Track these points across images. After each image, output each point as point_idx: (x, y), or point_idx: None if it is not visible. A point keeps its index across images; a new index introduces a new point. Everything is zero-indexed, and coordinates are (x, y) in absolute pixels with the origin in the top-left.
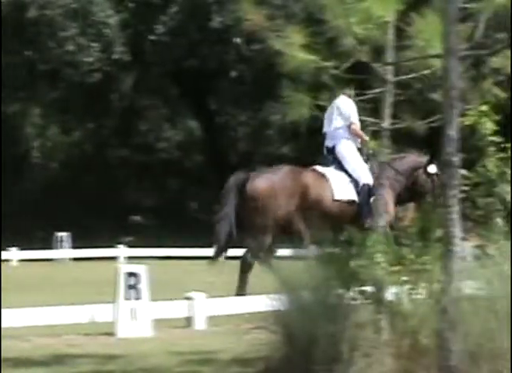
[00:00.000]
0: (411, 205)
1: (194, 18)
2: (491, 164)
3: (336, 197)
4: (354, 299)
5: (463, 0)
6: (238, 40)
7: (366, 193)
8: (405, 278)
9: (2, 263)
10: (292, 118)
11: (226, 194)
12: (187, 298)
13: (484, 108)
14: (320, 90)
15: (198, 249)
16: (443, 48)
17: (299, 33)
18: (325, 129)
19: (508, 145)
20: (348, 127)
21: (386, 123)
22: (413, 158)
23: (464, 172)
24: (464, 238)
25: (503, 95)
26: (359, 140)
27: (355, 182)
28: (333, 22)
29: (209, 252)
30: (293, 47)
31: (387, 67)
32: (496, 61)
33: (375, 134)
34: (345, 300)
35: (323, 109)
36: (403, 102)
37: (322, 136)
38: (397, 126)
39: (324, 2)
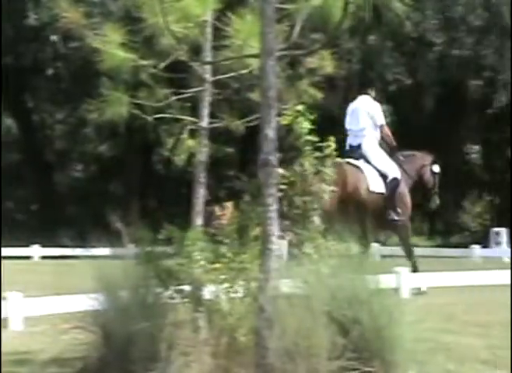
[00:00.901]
0: (229, 204)
1: (9, 15)
2: (307, 163)
3: (371, 189)
4: (172, 298)
5: (279, 0)
6: (55, 38)
7: (393, 186)
8: (222, 276)
9: None
10: (111, 116)
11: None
12: (3, 298)
13: (300, 107)
14: (139, 89)
15: (16, 249)
16: (260, 48)
17: (117, 31)
18: (349, 126)
19: (324, 144)
20: (376, 126)
21: (204, 122)
22: (420, 157)
23: (281, 170)
24: (281, 237)
25: (318, 95)
26: (388, 140)
27: (382, 176)
28: (151, 21)
29: (29, 251)
30: (111, 45)
31: (206, 67)
32: (312, 62)
33: (193, 133)
34: (162, 299)
35: (141, 107)
36: (221, 101)
37: (344, 132)
38: (215, 125)
39: (141, 1)
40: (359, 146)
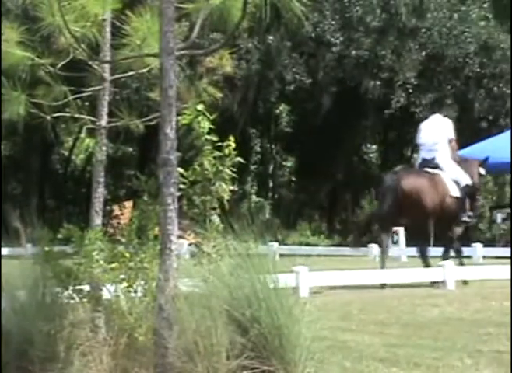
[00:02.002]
0: (128, 203)
1: None
2: (207, 162)
3: (452, 194)
4: (71, 298)
5: (179, 0)
6: None
7: (466, 192)
8: (122, 276)
9: None
10: (9, 116)
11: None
12: None
13: (200, 107)
14: (37, 87)
15: None
16: (159, 47)
17: (14, 30)
18: (422, 141)
19: (223, 144)
20: (448, 141)
21: (103, 121)
22: (471, 161)
23: (180, 170)
24: (180, 236)
25: (218, 94)
26: (454, 152)
27: (455, 182)
28: (49, 20)
29: None
30: (9, 44)
31: (105, 66)
32: (211, 61)
33: (92, 132)
34: (61, 299)
35: (39, 106)
36: (120, 100)
37: (416, 146)
38: (114, 124)
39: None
40: (433, 159)
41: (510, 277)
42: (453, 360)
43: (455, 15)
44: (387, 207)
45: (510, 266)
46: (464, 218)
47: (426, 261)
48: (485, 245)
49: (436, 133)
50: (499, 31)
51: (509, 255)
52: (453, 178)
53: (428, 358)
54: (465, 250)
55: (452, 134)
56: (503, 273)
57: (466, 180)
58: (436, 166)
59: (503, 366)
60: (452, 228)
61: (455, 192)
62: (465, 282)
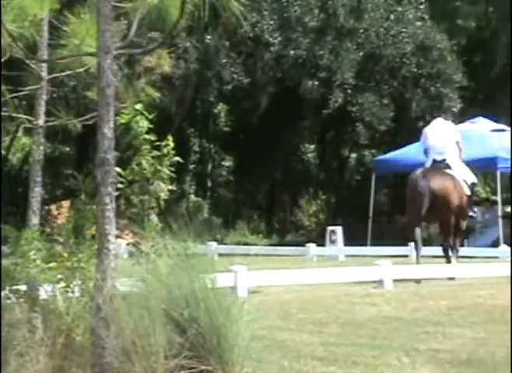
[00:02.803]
0: (66, 203)
1: None
2: (145, 162)
3: (466, 193)
4: (7, 298)
5: None
6: None
7: (472, 189)
8: (59, 276)
9: None
10: None
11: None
12: None
13: (138, 106)
14: None
15: None
16: (97, 46)
17: None
18: (432, 144)
19: (162, 143)
20: (456, 143)
21: (41, 120)
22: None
23: (118, 169)
24: (118, 236)
25: (156, 94)
26: (460, 153)
27: (464, 181)
28: None
29: None
30: None
31: (42, 65)
32: (149, 61)
33: (29, 132)
34: None
35: None
36: (58, 99)
37: (425, 151)
38: (51, 123)
39: None
40: (444, 160)
41: (510, 277)
42: (390, 359)
43: (392, 16)
44: (421, 207)
45: (510, 265)
46: (471, 213)
47: (448, 258)
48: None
49: (444, 136)
50: (436, 31)
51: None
52: (462, 177)
53: (366, 357)
54: (403, 250)
55: (458, 137)
56: (441, 272)
57: (472, 179)
58: (447, 167)
59: (439, 364)
60: (462, 224)
61: (468, 190)
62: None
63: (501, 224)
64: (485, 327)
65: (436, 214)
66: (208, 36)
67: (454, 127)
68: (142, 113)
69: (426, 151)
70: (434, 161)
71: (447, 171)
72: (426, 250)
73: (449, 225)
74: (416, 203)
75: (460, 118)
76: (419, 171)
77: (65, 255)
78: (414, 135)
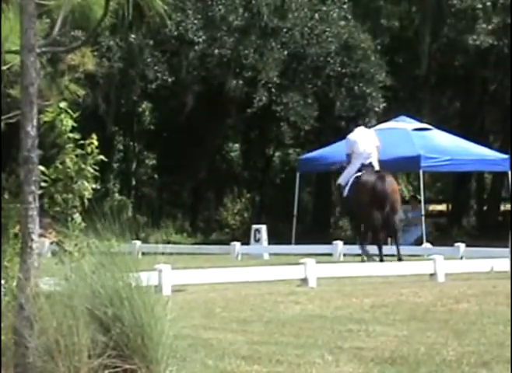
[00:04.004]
0: None
1: None
2: (69, 160)
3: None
4: None
5: None
6: None
7: None
8: None
9: None
10: None
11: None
12: None
13: (62, 105)
14: None
15: None
16: (20, 44)
17: None
18: (361, 150)
19: (86, 142)
20: (377, 148)
21: None
22: None
23: (42, 168)
24: (41, 235)
25: (80, 92)
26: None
27: None
28: None
29: None
30: None
31: None
32: (73, 59)
33: None
34: None
35: None
36: None
37: (348, 155)
38: None
39: None
40: (370, 163)
41: (509, 277)
42: (314, 357)
43: (316, 15)
44: (385, 208)
45: (509, 265)
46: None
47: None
48: (345, 243)
49: (369, 143)
50: (360, 31)
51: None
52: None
53: (290, 355)
54: (326, 248)
55: (378, 142)
56: (364, 270)
57: None
58: (373, 168)
59: (363, 362)
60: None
61: None
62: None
63: (424, 222)
64: (408, 325)
65: (383, 213)
66: (133, 35)
67: (374, 133)
68: (66, 111)
69: (348, 155)
70: (363, 164)
71: (385, 172)
72: (347, 249)
73: (395, 223)
74: (377, 204)
75: (383, 117)
76: (364, 175)
77: None
78: (338, 134)
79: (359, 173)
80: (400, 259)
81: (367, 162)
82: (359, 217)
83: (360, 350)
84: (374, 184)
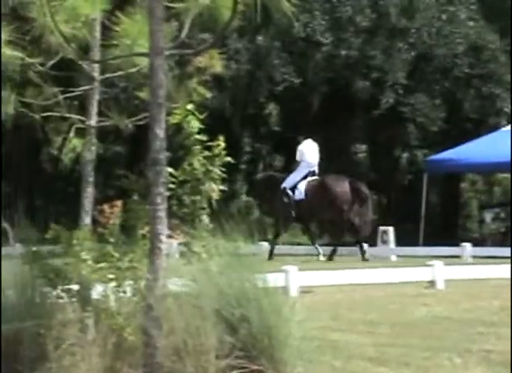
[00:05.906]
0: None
1: None
2: (197, 162)
3: None
4: (59, 297)
5: None
6: None
7: None
8: (110, 276)
9: None
10: None
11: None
12: None
13: (190, 107)
14: (26, 87)
15: None
16: (149, 47)
17: (3, 29)
18: (310, 161)
19: (213, 143)
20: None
21: (93, 120)
22: None
23: (170, 170)
24: (170, 236)
25: (207, 94)
26: None
27: None
28: (39, 20)
29: None
30: None
31: (94, 65)
32: (200, 61)
33: (82, 132)
34: (50, 298)
35: (29, 105)
36: (110, 99)
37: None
38: (103, 123)
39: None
40: (314, 171)
41: (510, 277)
42: (442, 360)
43: (443, 16)
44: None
45: (510, 265)
46: None
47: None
48: (474, 245)
49: (315, 154)
50: (488, 31)
51: (499, 254)
52: None
53: (417, 357)
54: (454, 250)
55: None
56: (493, 272)
57: None
58: (316, 176)
59: (491, 365)
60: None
61: None
62: None
63: None
64: None
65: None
66: (260, 37)
67: (317, 147)
68: (193, 114)
69: (299, 163)
70: (310, 171)
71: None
72: (476, 250)
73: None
74: (364, 206)
75: None
76: (341, 179)
77: (116, 255)
78: (465, 135)
79: (313, 178)
80: (365, 260)
81: (313, 170)
82: (327, 218)
83: (489, 353)
84: (352, 185)
